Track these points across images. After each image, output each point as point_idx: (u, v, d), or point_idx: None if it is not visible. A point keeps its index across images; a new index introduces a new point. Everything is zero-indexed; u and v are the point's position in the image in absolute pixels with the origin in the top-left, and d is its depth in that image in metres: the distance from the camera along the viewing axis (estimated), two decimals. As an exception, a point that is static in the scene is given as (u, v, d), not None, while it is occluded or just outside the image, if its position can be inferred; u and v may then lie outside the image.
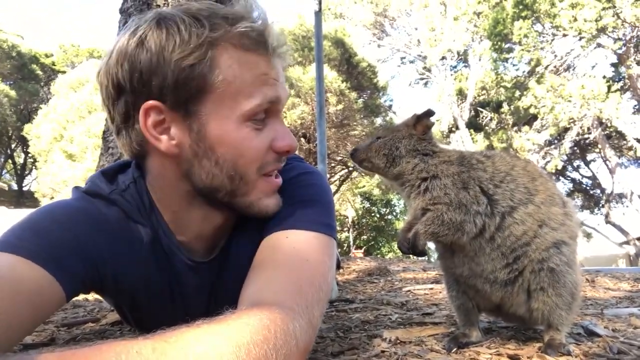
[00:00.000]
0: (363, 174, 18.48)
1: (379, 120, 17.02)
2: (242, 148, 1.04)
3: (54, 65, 30.80)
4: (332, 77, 13.44)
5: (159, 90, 0.98)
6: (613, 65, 18.70)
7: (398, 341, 1.47)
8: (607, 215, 19.67)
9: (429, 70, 22.87)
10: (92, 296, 2.73)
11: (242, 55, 1.01)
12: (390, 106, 18.90)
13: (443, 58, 21.90)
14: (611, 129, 18.33)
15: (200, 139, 1.01)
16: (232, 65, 1.00)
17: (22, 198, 28.61)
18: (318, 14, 3.82)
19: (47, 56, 31.32)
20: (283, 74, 1.11)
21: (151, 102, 0.99)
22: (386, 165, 1.51)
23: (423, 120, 1.54)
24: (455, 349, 1.36)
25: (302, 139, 14.51)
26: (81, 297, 2.68)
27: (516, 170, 1.42)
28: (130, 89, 1.00)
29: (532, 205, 1.36)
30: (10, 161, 32.65)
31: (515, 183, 1.39)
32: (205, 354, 0.70)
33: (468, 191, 1.36)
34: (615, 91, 15.89)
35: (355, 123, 15.13)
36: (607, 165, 19.82)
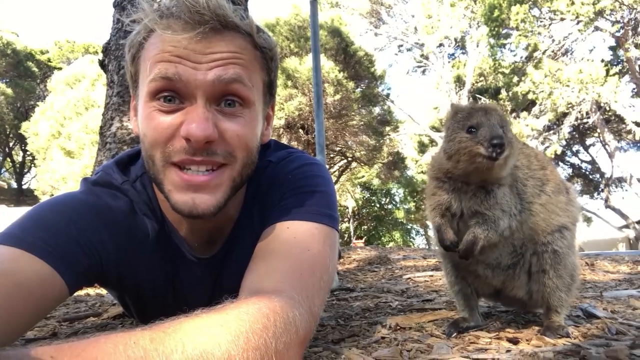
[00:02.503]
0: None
1: (377, 110, 16.97)
2: (146, 127, 1.01)
3: (50, 61, 30.60)
4: (329, 67, 13.36)
5: (130, 80, 1.10)
6: (611, 48, 18.59)
7: (398, 327, 1.48)
8: (606, 200, 19.70)
9: (427, 58, 22.77)
10: (94, 291, 2.75)
11: (158, 35, 0.99)
12: (388, 95, 18.81)
13: (440, 45, 21.80)
14: (610, 113, 18.27)
15: (137, 119, 1.09)
16: (149, 47, 1.01)
17: (22, 196, 28.61)
18: (314, 3, 3.79)
19: (42, 53, 31.10)
20: (218, 54, 0.98)
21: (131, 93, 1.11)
22: (510, 167, 1.27)
23: None
24: (455, 334, 1.36)
25: (300, 130, 14.47)
26: (83, 291, 2.69)
27: (532, 162, 1.40)
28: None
29: (544, 196, 1.36)
30: (9, 159, 32.60)
31: (534, 178, 1.38)
32: (203, 343, 0.70)
33: (512, 194, 1.32)
34: (614, 75, 15.82)
35: (353, 113, 15.08)
36: (606, 150, 19.80)
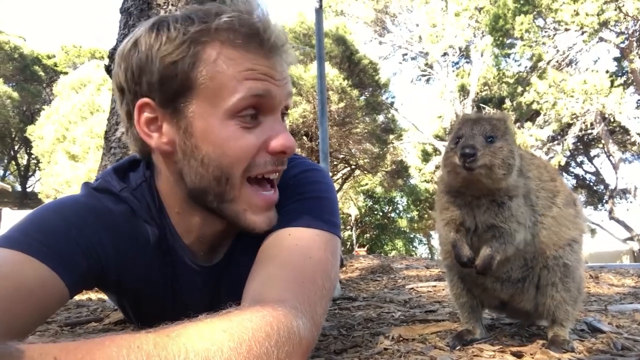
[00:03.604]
0: (364, 172, 18.44)
1: (381, 118, 17.00)
2: (227, 147, 0.99)
3: (56, 66, 30.82)
4: (334, 75, 13.41)
5: (148, 88, 1.01)
6: (616, 59, 18.57)
7: (401, 339, 1.46)
8: (611, 211, 19.58)
9: (431, 67, 22.82)
10: (96, 296, 2.74)
11: (230, 51, 0.99)
12: (392, 103, 18.85)
13: (445, 54, 21.86)
14: (614, 124, 18.23)
15: (187, 137, 1.01)
16: (217, 61, 0.98)
17: (26, 199, 28.70)
18: (319, 11, 3.81)
19: (49, 57, 31.36)
20: (284, 72, 1.06)
21: (143, 100, 1.02)
22: (503, 178, 1.22)
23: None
24: (459, 347, 1.35)
25: (304, 137, 14.50)
26: (84, 296, 2.69)
27: (542, 173, 1.39)
28: (127, 88, 1.05)
29: (556, 208, 1.34)
30: (13, 162, 32.76)
31: (545, 190, 1.36)
32: (206, 349, 0.70)
33: (527, 205, 1.30)
34: (618, 86, 15.79)
35: (357, 121, 15.12)
36: (610, 161, 19.75)
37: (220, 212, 1.07)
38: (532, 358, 1.23)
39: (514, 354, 1.26)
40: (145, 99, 1.02)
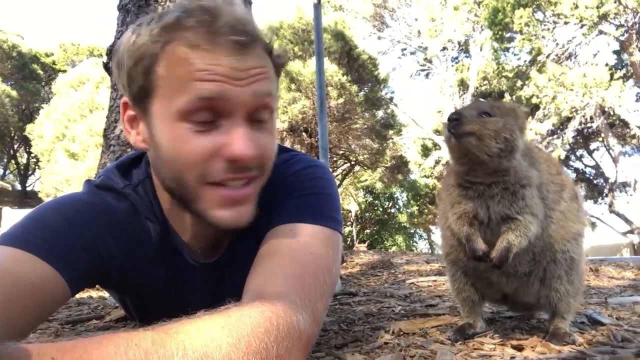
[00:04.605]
0: (366, 167, 18.45)
1: (380, 113, 16.98)
2: (177, 150, 0.95)
3: (55, 64, 30.77)
4: (333, 71, 13.37)
5: (123, 86, 1.03)
6: (615, 52, 18.56)
7: (401, 333, 1.46)
8: (610, 205, 19.60)
9: (430, 62, 22.78)
10: (97, 293, 2.74)
11: (185, 49, 0.93)
12: (391, 98, 18.82)
13: (444, 49, 21.82)
14: (614, 118, 18.22)
15: (152, 136, 1.00)
16: (172, 62, 0.94)
17: (26, 198, 28.71)
18: (317, 6, 3.79)
19: (47, 55, 31.30)
20: (253, 70, 0.95)
21: (124, 98, 1.04)
22: (500, 153, 1.19)
23: (529, 117, 1.35)
24: (461, 341, 1.35)
25: (303, 133, 14.49)
26: (85, 294, 2.69)
27: (550, 166, 1.38)
28: (119, 85, 1.07)
29: (563, 203, 1.34)
30: (13, 161, 32.75)
31: (554, 184, 1.35)
32: (204, 346, 0.70)
33: (539, 199, 1.29)
34: (618, 79, 15.78)
35: (356, 116, 15.09)
36: (610, 154, 19.75)
37: (190, 211, 1.05)
38: (533, 350, 1.23)
39: (514, 347, 1.26)
40: (125, 98, 1.04)
